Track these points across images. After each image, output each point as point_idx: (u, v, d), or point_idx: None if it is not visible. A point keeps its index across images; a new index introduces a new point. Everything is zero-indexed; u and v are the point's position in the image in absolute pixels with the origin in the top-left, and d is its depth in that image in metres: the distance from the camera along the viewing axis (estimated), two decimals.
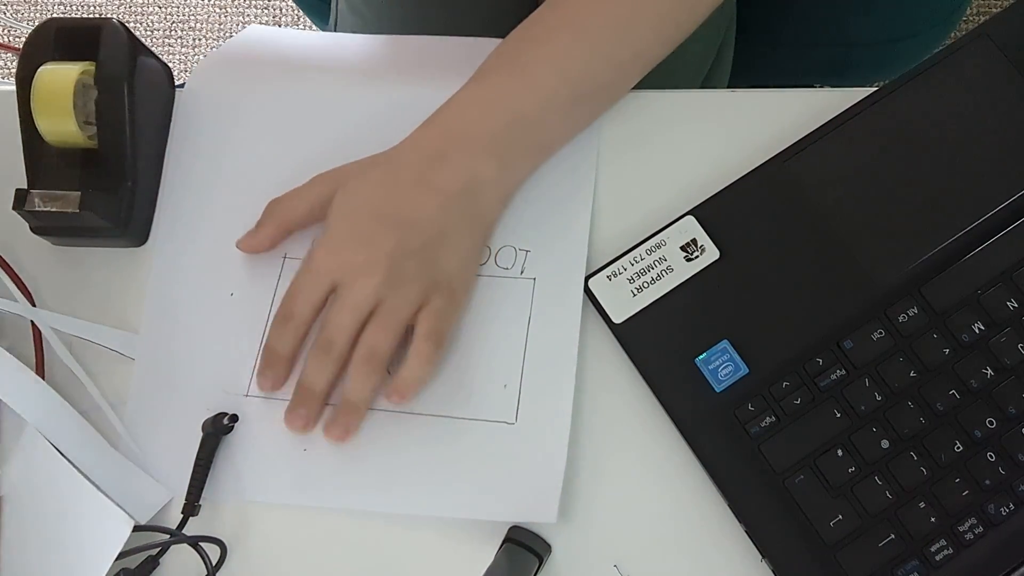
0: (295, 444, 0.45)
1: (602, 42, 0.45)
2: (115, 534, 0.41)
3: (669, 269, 0.45)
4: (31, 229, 0.47)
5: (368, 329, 0.43)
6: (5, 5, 1.37)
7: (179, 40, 1.34)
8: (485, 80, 0.45)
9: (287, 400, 0.45)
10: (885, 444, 0.41)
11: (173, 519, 0.44)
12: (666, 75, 0.47)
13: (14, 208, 0.45)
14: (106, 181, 0.46)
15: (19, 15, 1.37)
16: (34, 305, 0.47)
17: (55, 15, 1.37)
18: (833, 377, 0.43)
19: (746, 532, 0.41)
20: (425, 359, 0.43)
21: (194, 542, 0.43)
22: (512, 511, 0.43)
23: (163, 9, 1.36)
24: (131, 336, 0.47)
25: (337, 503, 0.44)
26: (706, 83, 0.62)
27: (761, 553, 0.41)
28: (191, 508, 0.43)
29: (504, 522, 0.43)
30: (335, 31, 0.59)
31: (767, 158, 0.46)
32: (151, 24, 1.35)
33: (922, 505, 0.41)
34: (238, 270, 0.47)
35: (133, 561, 0.42)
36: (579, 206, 0.47)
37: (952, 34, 0.71)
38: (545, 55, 0.45)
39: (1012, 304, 0.43)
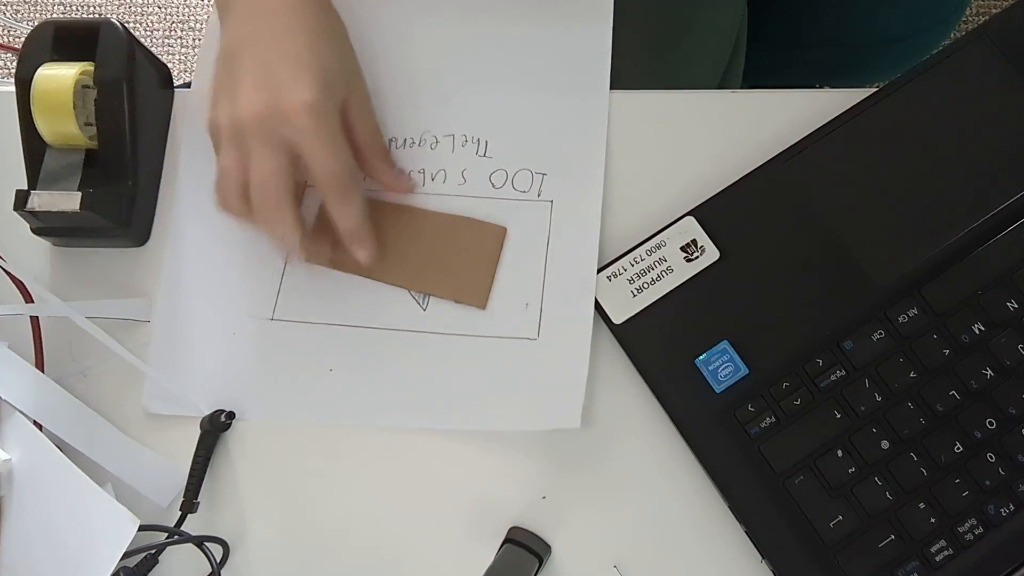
0: (320, 365, 0.45)
1: None
2: (120, 533, 0.41)
3: (669, 270, 0.45)
4: (32, 230, 0.47)
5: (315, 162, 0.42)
6: (5, 5, 1.37)
7: (179, 40, 1.34)
8: None
9: (311, 323, 0.46)
10: (885, 445, 0.41)
11: (172, 518, 0.44)
12: (684, 75, 0.47)
13: (14, 209, 0.45)
14: (106, 181, 0.46)
15: (19, 15, 1.37)
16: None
17: (55, 15, 1.37)
18: (833, 378, 0.43)
19: (746, 532, 0.42)
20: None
21: (199, 542, 0.43)
22: (536, 420, 0.43)
23: (163, 9, 1.36)
24: (145, 301, 0.47)
25: (363, 420, 0.45)
26: (722, 83, 0.62)
27: (761, 553, 0.41)
28: (189, 506, 0.43)
29: (528, 432, 0.44)
30: None
31: (767, 158, 0.46)
32: (151, 24, 1.35)
33: (922, 506, 0.41)
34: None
35: (133, 560, 0.42)
36: (594, 131, 0.48)
37: (951, 35, 0.71)
38: None
39: (1012, 305, 0.43)
